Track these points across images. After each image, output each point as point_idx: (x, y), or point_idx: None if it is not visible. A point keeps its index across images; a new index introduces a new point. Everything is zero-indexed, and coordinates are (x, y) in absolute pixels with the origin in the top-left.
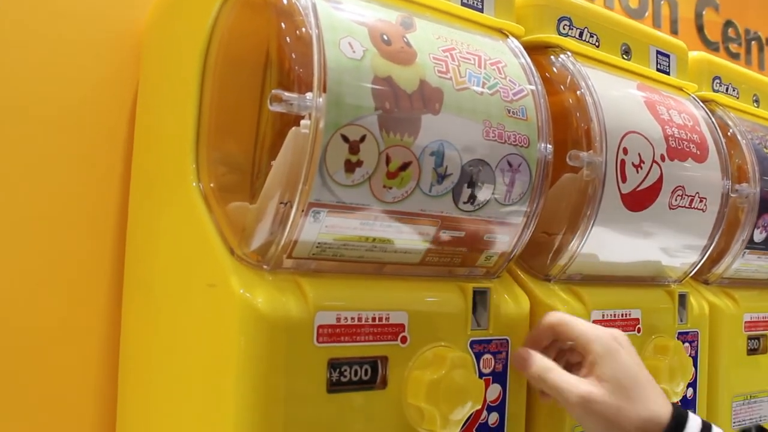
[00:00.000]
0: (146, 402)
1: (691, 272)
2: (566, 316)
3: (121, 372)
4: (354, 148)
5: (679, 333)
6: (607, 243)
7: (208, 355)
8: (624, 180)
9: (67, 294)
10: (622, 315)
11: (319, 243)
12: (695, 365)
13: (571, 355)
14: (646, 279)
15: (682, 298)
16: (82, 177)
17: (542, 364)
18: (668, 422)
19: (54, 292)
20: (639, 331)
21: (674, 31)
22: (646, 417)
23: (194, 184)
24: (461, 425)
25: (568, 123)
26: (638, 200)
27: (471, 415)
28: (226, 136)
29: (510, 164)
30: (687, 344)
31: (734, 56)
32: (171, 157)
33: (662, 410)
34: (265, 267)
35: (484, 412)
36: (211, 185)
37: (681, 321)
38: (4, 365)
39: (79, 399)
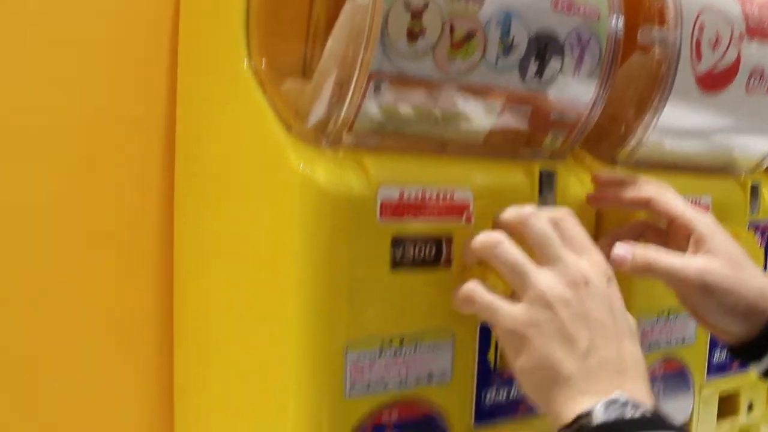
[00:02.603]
0: (205, 290)
1: (763, 163)
2: (660, 192)
3: (176, 263)
4: (416, 15)
5: (750, 223)
6: (678, 127)
7: (269, 238)
8: (699, 59)
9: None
10: (693, 201)
11: (380, 118)
12: (766, 256)
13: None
14: (716, 168)
15: (754, 189)
16: (126, 79)
17: (644, 249)
18: None
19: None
20: None
21: None
22: (761, 284)
23: (246, 63)
24: None
25: (640, 2)
26: (714, 82)
27: None
28: (279, 13)
29: (579, 38)
30: (758, 235)
31: None
32: (221, 38)
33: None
34: (324, 142)
35: None
36: (263, 65)
37: (752, 212)
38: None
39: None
